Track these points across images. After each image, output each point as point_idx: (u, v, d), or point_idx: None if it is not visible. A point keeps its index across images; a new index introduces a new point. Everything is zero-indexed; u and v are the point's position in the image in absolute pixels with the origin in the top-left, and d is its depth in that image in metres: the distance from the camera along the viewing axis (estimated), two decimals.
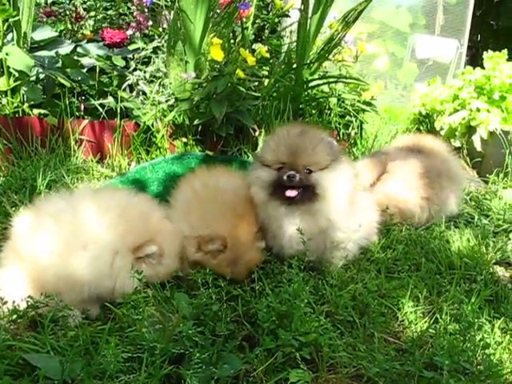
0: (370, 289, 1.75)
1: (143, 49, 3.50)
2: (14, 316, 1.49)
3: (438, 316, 1.69)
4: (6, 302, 1.49)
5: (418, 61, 7.53)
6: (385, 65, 7.14)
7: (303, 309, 1.45)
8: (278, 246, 1.91)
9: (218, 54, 2.76)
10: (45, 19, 4.31)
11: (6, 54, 2.70)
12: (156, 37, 3.56)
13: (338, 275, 1.84)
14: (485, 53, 4.21)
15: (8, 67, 2.77)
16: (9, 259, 1.67)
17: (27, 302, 1.51)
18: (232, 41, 3.37)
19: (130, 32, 3.64)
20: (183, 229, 1.83)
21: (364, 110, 3.48)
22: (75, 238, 1.59)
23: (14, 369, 1.28)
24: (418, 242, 2.25)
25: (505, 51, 4.15)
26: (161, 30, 3.62)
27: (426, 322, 1.70)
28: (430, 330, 1.62)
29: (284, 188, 1.83)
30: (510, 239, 2.47)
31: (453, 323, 1.63)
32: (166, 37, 3.14)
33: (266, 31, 4.26)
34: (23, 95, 2.89)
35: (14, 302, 1.50)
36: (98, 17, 4.56)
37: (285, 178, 1.81)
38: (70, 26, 4.71)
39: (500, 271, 2.18)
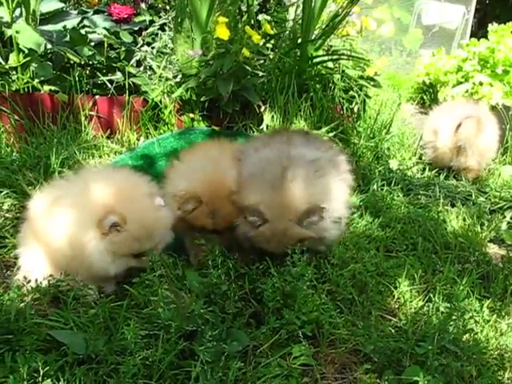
0: (369, 268, 1.85)
1: (150, 21, 3.51)
2: (37, 294, 1.60)
3: (432, 295, 1.79)
4: (29, 281, 1.60)
5: (424, 27, 7.46)
6: (390, 31, 7.10)
7: (306, 291, 1.56)
8: None
9: (223, 33, 2.79)
10: None
11: (16, 32, 2.74)
12: (161, 9, 3.58)
13: (338, 254, 1.92)
14: (490, 25, 4.21)
15: (18, 44, 2.81)
16: (28, 238, 1.74)
17: (49, 280, 1.61)
18: (238, 16, 3.38)
19: None
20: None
21: (367, 86, 3.52)
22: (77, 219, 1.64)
23: (43, 344, 1.39)
24: (415, 221, 2.33)
25: (510, 24, 4.14)
26: (166, 0, 3.63)
27: (420, 299, 1.81)
28: (425, 308, 1.73)
29: None
30: (505, 217, 2.56)
31: (444, 302, 1.74)
32: (173, 14, 3.17)
33: (272, 1, 4.24)
34: (33, 71, 2.94)
35: (36, 280, 1.59)
36: None
37: None
38: None
39: (493, 249, 2.29)
